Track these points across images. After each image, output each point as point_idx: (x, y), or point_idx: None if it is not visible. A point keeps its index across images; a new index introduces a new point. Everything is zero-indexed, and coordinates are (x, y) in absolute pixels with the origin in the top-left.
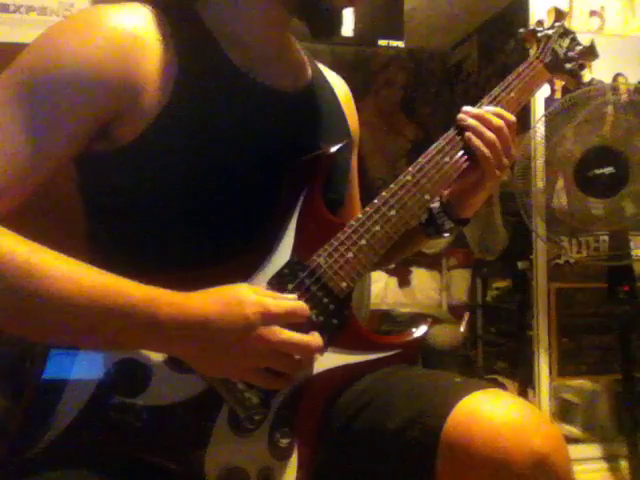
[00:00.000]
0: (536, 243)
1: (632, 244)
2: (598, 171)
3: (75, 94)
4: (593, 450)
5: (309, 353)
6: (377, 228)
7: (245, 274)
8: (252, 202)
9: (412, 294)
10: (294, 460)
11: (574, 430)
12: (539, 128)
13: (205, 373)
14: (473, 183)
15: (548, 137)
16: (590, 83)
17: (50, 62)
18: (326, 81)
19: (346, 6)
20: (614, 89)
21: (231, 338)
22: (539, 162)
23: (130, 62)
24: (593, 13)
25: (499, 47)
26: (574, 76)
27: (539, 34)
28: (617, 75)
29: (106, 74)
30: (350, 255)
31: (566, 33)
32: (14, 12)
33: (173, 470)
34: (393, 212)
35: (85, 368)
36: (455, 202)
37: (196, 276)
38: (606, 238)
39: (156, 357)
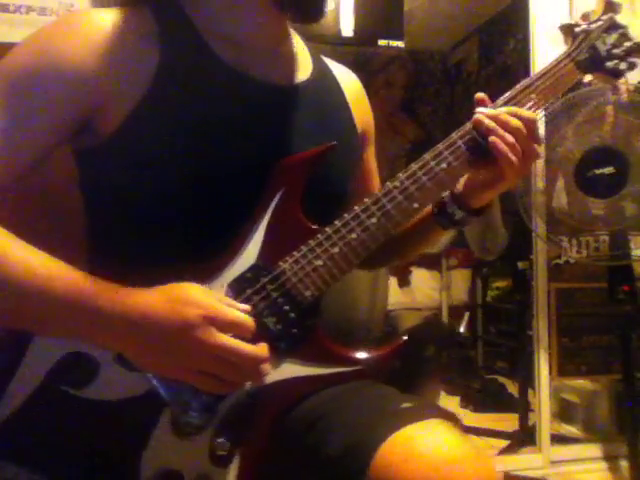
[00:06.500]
0: (536, 243)
1: (632, 244)
2: (598, 171)
3: (53, 87)
4: (593, 450)
5: (248, 362)
6: (353, 236)
7: (209, 275)
8: (229, 198)
9: (412, 294)
10: (234, 470)
11: (574, 430)
12: (539, 128)
13: (145, 370)
14: (489, 181)
15: (548, 137)
16: (590, 83)
17: (31, 60)
18: (332, 77)
19: None
20: (614, 89)
21: (168, 336)
22: (539, 162)
23: (105, 58)
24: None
25: (499, 47)
26: (615, 75)
27: (576, 29)
28: None
29: (82, 68)
30: (319, 263)
31: (614, 27)
32: (14, 12)
33: (108, 465)
34: (373, 220)
35: (37, 356)
36: (467, 193)
37: (160, 273)
38: (606, 238)
39: (106, 352)
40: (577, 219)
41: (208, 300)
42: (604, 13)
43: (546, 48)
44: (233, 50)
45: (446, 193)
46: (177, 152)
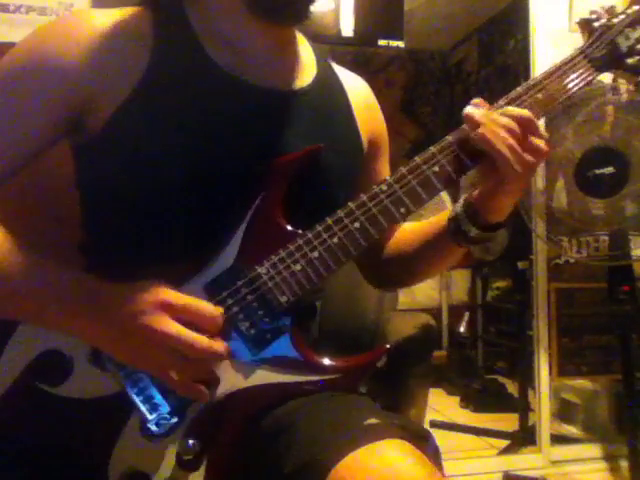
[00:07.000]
0: (536, 243)
1: (632, 244)
2: (598, 171)
3: (43, 85)
4: (593, 450)
5: (197, 353)
6: (334, 241)
7: (188, 275)
8: (213, 200)
9: (412, 294)
10: (201, 475)
11: (574, 430)
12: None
13: (115, 357)
14: (493, 188)
15: (548, 137)
16: (590, 83)
17: (23, 59)
18: (338, 83)
19: None
20: (614, 89)
21: (122, 322)
22: None
23: (95, 57)
24: (593, 13)
25: (499, 47)
26: (637, 73)
27: (594, 24)
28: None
29: (71, 67)
30: (297, 267)
31: None
32: (14, 12)
33: (77, 464)
34: (357, 224)
35: (15, 352)
36: (480, 206)
37: (143, 271)
38: (606, 238)
39: (81, 351)
40: (577, 219)
41: (166, 290)
42: (630, 6)
43: (546, 48)
44: (230, 54)
45: (460, 210)
46: (160, 152)
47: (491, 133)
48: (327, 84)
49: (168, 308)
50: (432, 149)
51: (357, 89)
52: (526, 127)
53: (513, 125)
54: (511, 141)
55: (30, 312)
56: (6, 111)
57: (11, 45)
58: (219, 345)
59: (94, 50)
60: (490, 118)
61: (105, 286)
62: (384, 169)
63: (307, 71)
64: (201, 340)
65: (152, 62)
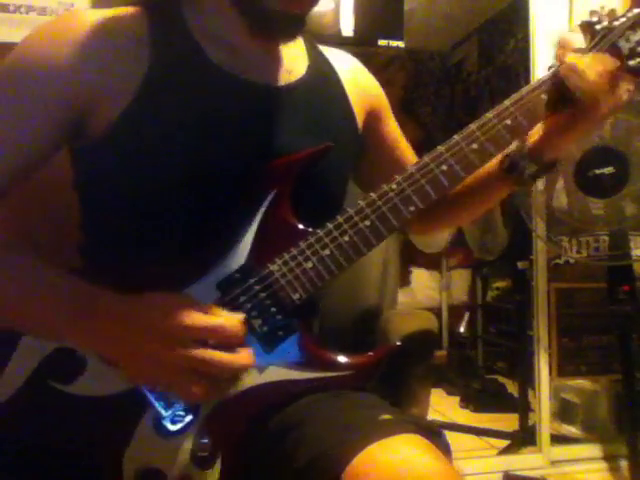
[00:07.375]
0: (536, 243)
1: (632, 244)
2: (598, 171)
3: (43, 88)
4: (593, 450)
5: (229, 371)
6: (345, 239)
7: (198, 274)
8: (219, 199)
9: (412, 294)
10: (216, 472)
11: (574, 430)
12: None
13: (125, 374)
14: (564, 125)
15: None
16: None
17: (21, 61)
18: (329, 67)
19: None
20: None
21: (132, 341)
22: None
23: (95, 59)
24: (593, 13)
25: (499, 47)
26: (638, 75)
27: (596, 27)
28: None
29: (71, 69)
30: (309, 265)
31: None
32: (14, 12)
33: (92, 463)
34: (367, 222)
35: (27, 350)
36: (541, 144)
37: (151, 272)
38: (606, 238)
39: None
40: (577, 219)
41: (179, 308)
42: (631, 8)
43: (546, 48)
44: (227, 53)
45: (516, 148)
46: (165, 153)
47: (578, 74)
48: (320, 72)
49: (182, 329)
50: (440, 148)
51: (346, 66)
52: (614, 70)
53: (603, 68)
54: (602, 83)
55: (43, 325)
56: (8, 114)
57: (11, 45)
58: (246, 355)
59: (95, 53)
60: (584, 62)
61: (118, 299)
62: (393, 130)
63: (300, 62)
64: (227, 358)
65: (152, 64)
